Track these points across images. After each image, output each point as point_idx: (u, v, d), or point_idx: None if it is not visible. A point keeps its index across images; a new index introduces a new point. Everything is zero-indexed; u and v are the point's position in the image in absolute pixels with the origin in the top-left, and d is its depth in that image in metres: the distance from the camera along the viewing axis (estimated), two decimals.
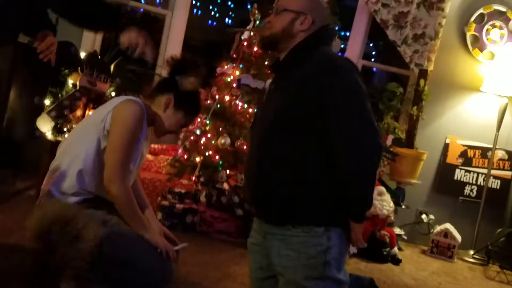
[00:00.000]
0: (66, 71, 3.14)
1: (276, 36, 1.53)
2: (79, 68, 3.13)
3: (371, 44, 5.74)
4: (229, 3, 7.53)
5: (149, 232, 1.70)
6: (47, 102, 3.12)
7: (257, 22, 3.43)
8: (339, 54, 3.54)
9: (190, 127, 3.77)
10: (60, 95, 3.12)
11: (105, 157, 1.66)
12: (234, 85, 3.25)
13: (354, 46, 4.12)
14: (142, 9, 4.64)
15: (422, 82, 3.71)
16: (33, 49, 3.09)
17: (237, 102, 3.26)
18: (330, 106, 1.39)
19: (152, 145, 3.70)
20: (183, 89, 1.81)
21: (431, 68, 3.82)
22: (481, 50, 3.96)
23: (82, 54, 3.25)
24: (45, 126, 3.03)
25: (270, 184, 1.46)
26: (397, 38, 3.82)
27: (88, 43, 3.82)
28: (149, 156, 3.60)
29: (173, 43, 4.10)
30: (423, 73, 3.76)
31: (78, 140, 1.72)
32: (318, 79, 1.41)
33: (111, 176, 1.63)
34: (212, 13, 7.41)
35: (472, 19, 3.94)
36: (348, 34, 4.12)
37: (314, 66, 1.44)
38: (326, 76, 1.41)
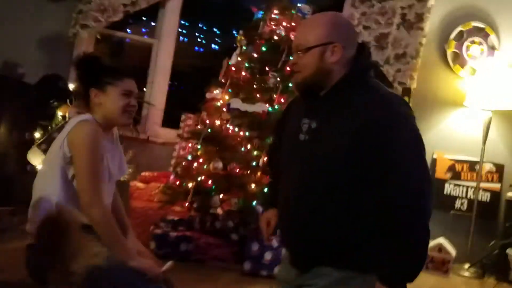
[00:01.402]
0: (55, 103, 3.15)
1: (310, 79, 1.40)
2: (67, 100, 3.15)
3: None
4: (215, 29, 7.65)
5: (132, 257, 1.68)
6: (37, 135, 3.13)
7: (244, 47, 3.50)
8: None
9: (181, 152, 3.80)
10: (50, 127, 3.13)
11: (76, 185, 1.67)
12: (224, 109, 3.29)
13: None
14: (128, 39, 4.71)
15: (406, 99, 3.78)
16: (22, 83, 3.12)
17: (228, 126, 3.29)
18: (390, 160, 1.30)
19: (143, 173, 3.70)
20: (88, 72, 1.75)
21: (414, 85, 3.91)
22: (462, 66, 4.06)
23: (71, 86, 3.27)
24: (36, 159, 3.02)
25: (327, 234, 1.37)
26: (380, 58, 3.92)
27: None
28: (140, 185, 3.59)
29: (160, 71, 4.15)
30: (407, 91, 3.83)
31: (46, 174, 1.74)
32: (377, 131, 1.30)
33: (87, 202, 1.64)
34: (199, 39, 7.52)
35: (452, 36, 4.05)
36: None
37: (370, 112, 1.31)
38: (386, 129, 1.30)
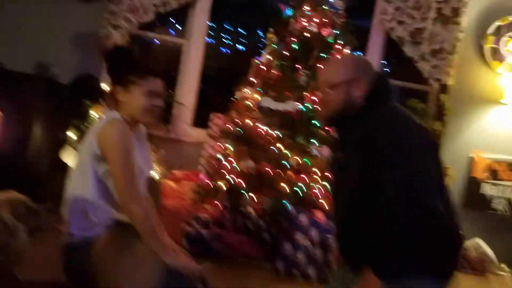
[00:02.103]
0: (88, 102, 3.19)
1: (338, 113, 1.54)
2: (100, 99, 3.18)
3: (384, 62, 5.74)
4: (240, 30, 7.65)
5: (169, 253, 1.67)
6: (70, 134, 3.16)
7: (273, 45, 3.45)
8: None
9: (211, 151, 3.78)
10: (83, 126, 3.16)
11: (113, 183, 1.67)
12: (255, 108, 3.26)
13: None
14: (157, 41, 4.74)
15: (443, 97, 3.68)
16: (55, 83, 3.16)
17: (258, 125, 3.25)
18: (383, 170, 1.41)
19: (174, 172, 3.70)
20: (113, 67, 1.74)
21: (451, 82, 3.79)
22: (501, 62, 3.92)
23: (103, 85, 3.30)
24: (69, 158, 3.06)
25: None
26: (415, 54, 3.81)
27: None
28: (171, 183, 3.60)
29: (190, 72, 4.15)
30: (443, 88, 3.72)
31: (77, 173, 1.74)
32: (367, 143, 1.43)
33: (126, 199, 1.64)
34: (224, 40, 7.52)
35: (489, 31, 3.92)
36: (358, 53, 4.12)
37: (370, 131, 1.45)
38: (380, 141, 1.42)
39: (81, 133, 3.12)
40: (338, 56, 1.65)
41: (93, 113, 3.20)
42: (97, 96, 3.17)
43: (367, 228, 1.43)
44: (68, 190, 1.75)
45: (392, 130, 1.44)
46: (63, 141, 3.14)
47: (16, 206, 1.44)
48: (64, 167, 3.14)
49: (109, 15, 3.74)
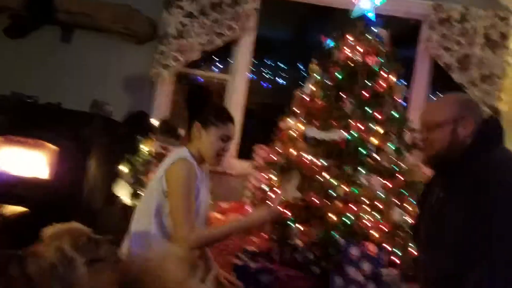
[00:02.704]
0: (141, 138, 3.31)
1: (443, 153, 1.45)
2: (152, 135, 3.29)
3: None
4: (281, 64, 7.78)
5: (241, 220, 1.77)
6: (123, 168, 3.28)
7: (318, 77, 3.47)
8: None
9: (256, 183, 3.78)
10: (136, 161, 3.27)
11: (171, 219, 1.72)
12: (300, 138, 3.26)
13: (418, 94, 4.04)
14: (201, 79, 4.90)
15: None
16: (110, 120, 3.31)
17: (304, 155, 3.24)
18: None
19: (220, 204, 3.73)
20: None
21: (505, 108, 3.66)
22: None
23: (154, 121, 3.42)
24: (123, 191, 3.16)
25: None
26: (464, 80, 3.73)
27: (160, 110, 4.03)
28: (219, 216, 3.61)
29: (234, 106, 4.23)
30: (496, 114, 3.59)
31: (143, 208, 1.82)
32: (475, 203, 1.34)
33: (181, 235, 1.69)
34: (265, 75, 7.66)
35: None
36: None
37: (472, 183, 1.36)
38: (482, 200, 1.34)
39: (133, 167, 3.22)
40: (445, 94, 1.56)
41: (145, 148, 3.31)
42: (148, 131, 3.29)
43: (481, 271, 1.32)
44: (131, 225, 1.81)
45: (507, 182, 1.34)
46: (116, 175, 3.25)
47: (77, 237, 1.45)
48: (116, 201, 3.25)
49: (159, 55, 3.93)
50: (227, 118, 1.83)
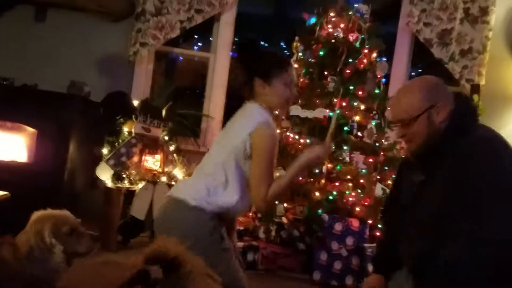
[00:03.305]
0: (121, 119, 3.25)
1: (425, 144, 1.43)
2: (133, 116, 3.24)
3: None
4: (263, 42, 7.70)
5: (299, 160, 1.71)
6: (104, 151, 3.22)
7: (300, 54, 3.46)
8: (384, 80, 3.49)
9: None
10: (116, 143, 3.21)
11: (251, 178, 1.70)
12: (284, 117, 3.26)
13: (399, 69, 4.06)
14: (181, 58, 4.81)
15: (475, 97, 3.58)
16: (88, 101, 3.24)
17: (288, 133, 3.24)
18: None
19: None
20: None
21: (482, 82, 3.70)
22: None
23: (135, 102, 3.36)
24: (105, 174, 3.11)
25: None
26: (444, 55, 3.75)
27: (139, 90, 3.96)
28: None
29: (217, 84, 4.18)
30: (475, 88, 3.63)
31: (216, 157, 1.76)
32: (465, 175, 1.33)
33: (262, 196, 1.67)
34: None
35: None
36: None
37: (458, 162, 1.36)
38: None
39: (116, 150, 3.17)
40: (407, 83, 1.53)
41: (126, 130, 3.26)
42: (130, 113, 3.23)
43: (458, 247, 1.32)
44: (200, 175, 1.77)
45: (491, 155, 1.33)
46: (97, 158, 3.20)
47: (60, 225, 1.42)
48: (99, 184, 3.20)
49: (136, 33, 3.83)
50: (284, 64, 1.78)
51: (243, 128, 1.74)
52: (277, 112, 1.86)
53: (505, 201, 1.31)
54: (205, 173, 1.76)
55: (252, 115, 1.76)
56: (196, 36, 5.00)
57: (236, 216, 1.88)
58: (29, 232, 1.40)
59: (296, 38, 3.50)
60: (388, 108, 1.56)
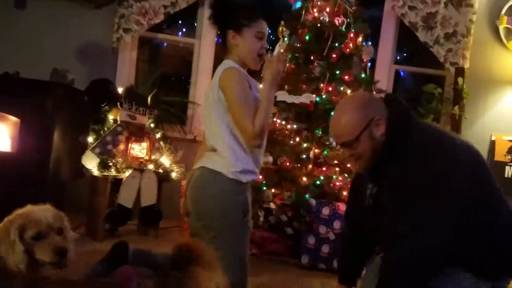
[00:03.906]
0: (106, 107, 3.20)
1: (374, 159, 1.46)
2: (118, 103, 3.20)
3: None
4: None
5: (264, 85, 1.72)
6: (90, 139, 3.19)
7: (285, 38, 3.44)
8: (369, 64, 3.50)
9: None
10: (102, 131, 3.18)
11: (234, 121, 1.70)
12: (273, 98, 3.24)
13: (384, 53, 4.07)
14: (165, 44, 4.75)
15: (460, 80, 3.62)
16: (72, 89, 3.18)
17: (275, 119, 3.24)
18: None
19: None
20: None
21: (467, 65, 3.73)
22: None
23: (119, 89, 3.31)
24: (91, 163, 3.08)
25: None
26: (428, 39, 3.76)
27: (123, 78, 3.91)
28: None
29: (203, 70, 4.15)
30: (460, 72, 3.67)
31: (210, 121, 1.77)
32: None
33: (248, 132, 1.66)
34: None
35: (503, 11, 3.84)
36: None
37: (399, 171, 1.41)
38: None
39: (101, 138, 3.14)
40: (339, 104, 1.57)
41: (112, 117, 3.22)
42: (115, 101, 3.19)
43: (394, 251, 1.41)
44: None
45: (428, 169, 1.36)
46: (83, 147, 3.16)
47: (28, 225, 1.33)
48: (85, 173, 3.17)
49: (119, 19, 3.77)
50: (256, 15, 1.79)
51: (215, 81, 1.75)
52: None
53: (430, 206, 1.35)
54: (220, 144, 1.75)
55: (221, 66, 1.77)
56: (180, 22, 4.93)
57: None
58: (1, 226, 1.36)
59: (282, 22, 3.47)
60: (330, 131, 1.59)
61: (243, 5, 1.81)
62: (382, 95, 1.80)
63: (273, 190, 3.14)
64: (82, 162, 3.09)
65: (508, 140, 3.87)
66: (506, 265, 1.43)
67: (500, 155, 3.88)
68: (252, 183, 1.84)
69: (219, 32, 1.83)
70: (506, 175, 3.86)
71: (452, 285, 1.40)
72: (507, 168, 3.87)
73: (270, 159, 3.13)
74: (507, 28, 3.85)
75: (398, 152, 1.41)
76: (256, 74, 1.87)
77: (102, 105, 3.16)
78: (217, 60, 4.19)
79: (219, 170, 1.70)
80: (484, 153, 3.88)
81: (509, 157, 3.87)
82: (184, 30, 4.85)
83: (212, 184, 1.71)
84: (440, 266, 1.37)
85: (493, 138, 3.88)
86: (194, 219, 1.79)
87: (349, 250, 1.72)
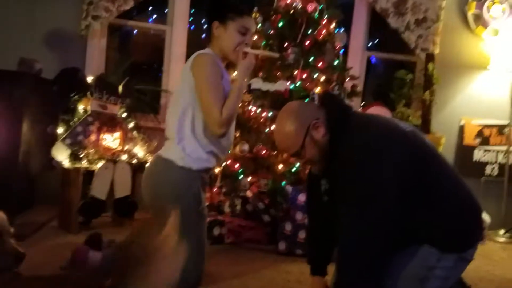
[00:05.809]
0: (76, 97, 3.12)
1: (323, 161, 1.53)
2: (88, 92, 3.11)
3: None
4: None
5: (236, 79, 1.72)
6: (60, 130, 3.10)
7: (259, 25, 3.41)
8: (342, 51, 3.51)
9: None
10: (72, 122, 3.10)
11: (202, 107, 1.68)
12: (244, 91, 3.22)
13: (357, 40, 4.10)
14: (135, 31, 4.64)
15: (430, 66, 3.68)
16: (40, 79, 3.07)
17: (250, 107, 3.22)
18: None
19: None
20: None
21: (437, 51, 3.80)
22: (484, 27, 3.93)
23: (89, 78, 3.23)
24: (61, 155, 3.00)
25: None
26: (400, 25, 3.80)
27: (93, 66, 3.80)
28: None
29: (175, 58, 4.08)
30: (430, 57, 3.73)
31: (176, 105, 1.74)
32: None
33: (215, 119, 1.65)
34: (205, 26, 7.40)
35: None
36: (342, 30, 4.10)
37: (339, 165, 1.48)
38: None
39: (71, 128, 3.06)
40: (276, 122, 1.59)
41: (82, 107, 3.14)
42: (85, 90, 3.10)
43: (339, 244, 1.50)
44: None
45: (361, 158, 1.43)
46: (52, 138, 3.08)
47: None
48: (56, 165, 3.09)
49: (88, 5, 3.65)
50: (242, 10, 1.78)
51: (187, 65, 1.74)
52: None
53: (367, 198, 1.40)
54: (174, 132, 1.73)
55: (197, 52, 1.76)
56: (150, 8, 4.82)
57: (222, 159, 1.86)
58: None
59: (255, 9, 3.43)
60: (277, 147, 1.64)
61: (233, 1, 1.80)
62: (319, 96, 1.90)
63: (249, 178, 3.15)
64: (52, 154, 3.01)
65: (477, 124, 3.99)
66: (462, 235, 1.48)
67: (469, 139, 3.99)
68: (210, 171, 1.82)
69: (208, 22, 1.82)
70: (474, 159, 3.98)
71: (419, 261, 1.46)
72: (475, 151, 3.98)
73: (246, 147, 3.12)
74: (475, 14, 3.93)
75: (339, 148, 1.47)
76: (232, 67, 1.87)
77: (72, 95, 3.08)
78: (190, 47, 4.13)
79: (170, 158, 1.69)
80: (453, 136, 3.99)
81: (477, 140, 3.99)
82: (154, 16, 4.76)
83: (164, 172, 1.70)
84: (386, 254, 1.43)
85: (462, 123, 3.98)
86: (148, 207, 1.77)
87: (314, 241, 1.79)
